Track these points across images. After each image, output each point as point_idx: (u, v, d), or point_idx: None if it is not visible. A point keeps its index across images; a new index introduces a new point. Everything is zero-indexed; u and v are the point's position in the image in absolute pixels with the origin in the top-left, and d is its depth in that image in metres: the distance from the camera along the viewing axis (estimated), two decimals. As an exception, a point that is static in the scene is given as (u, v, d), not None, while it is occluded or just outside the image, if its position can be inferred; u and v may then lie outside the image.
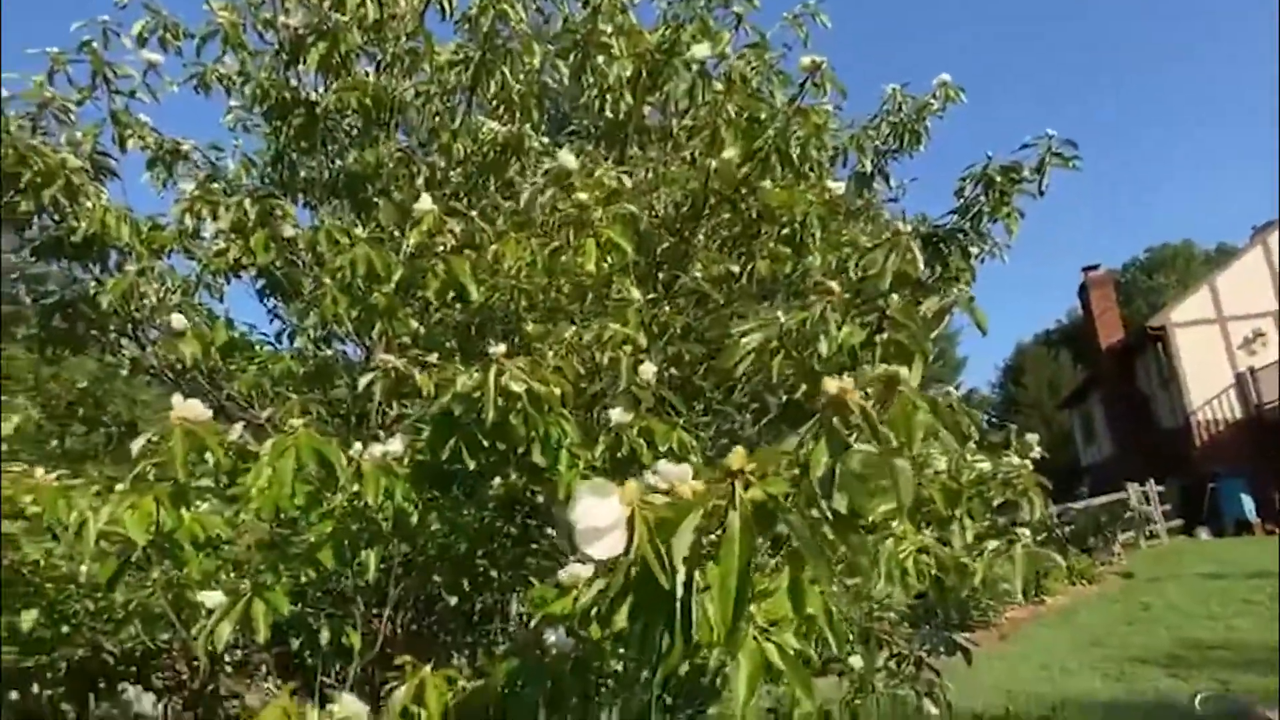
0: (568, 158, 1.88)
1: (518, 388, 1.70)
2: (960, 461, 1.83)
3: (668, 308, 2.31)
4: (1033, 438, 3.41)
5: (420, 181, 2.80)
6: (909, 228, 2.94)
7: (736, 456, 0.90)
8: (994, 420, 32.02)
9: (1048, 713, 6.18)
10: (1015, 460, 1.89)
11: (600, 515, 0.80)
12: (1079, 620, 9.67)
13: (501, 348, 1.62)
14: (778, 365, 1.58)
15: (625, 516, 0.82)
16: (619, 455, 2.01)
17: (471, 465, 1.72)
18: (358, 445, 1.70)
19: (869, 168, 3.60)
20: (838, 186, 2.91)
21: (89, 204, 2.36)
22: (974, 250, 3.63)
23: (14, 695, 2.75)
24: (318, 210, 3.07)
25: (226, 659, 2.30)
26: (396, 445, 1.83)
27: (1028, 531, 1.60)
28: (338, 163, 2.89)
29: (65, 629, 1.88)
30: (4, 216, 2.49)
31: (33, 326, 2.74)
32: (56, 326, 2.68)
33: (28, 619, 1.73)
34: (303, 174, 3.05)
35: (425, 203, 1.92)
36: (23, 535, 1.69)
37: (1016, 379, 34.55)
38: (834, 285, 1.66)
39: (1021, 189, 2.72)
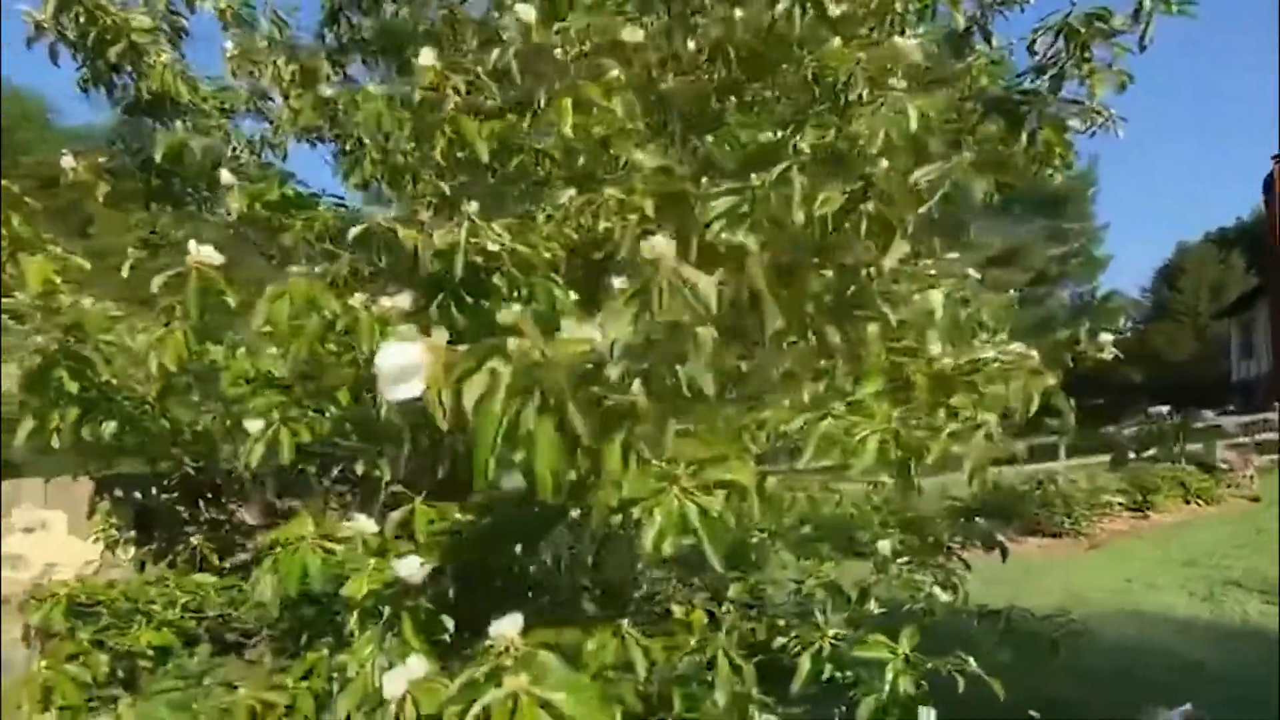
0: (525, 8, 1.78)
1: (494, 247, 1.75)
2: (959, 349, 1.72)
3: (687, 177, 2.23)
4: (1106, 338, 3.13)
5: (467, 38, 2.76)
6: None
7: (508, 314, 0.91)
8: (1137, 325, 29.21)
9: (1118, 621, 6.03)
10: (1017, 349, 1.76)
11: (400, 359, 0.84)
12: (1182, 539, 9.14)
13: (474, 205, 1.65)
14: (743, 233, 1.52)
15: (427, 362, 0.85)
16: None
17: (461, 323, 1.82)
18: (358, 296, 1.83)
19: (962, 23, 3.15)
20: (905, 43, 2.61)
21: (153, 63, 2.53)
22: (1074, 123, 3.21)
23: (138, 495, 3.33)
24: (374, 70, 3.12)
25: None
26: (404, 300, 1.94)
27: (992, 418, 1.51)
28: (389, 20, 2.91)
29: (144, 440, 2.21)
30: (88, 76, 2.72)
31: (137, 182, 3.03)
32: (154, 182, 2.96)
33: (108, 429, 2.06)
34: (363, 34, 3.08)
35: (426, 57, 1.92)
36: (99, 359, 1.98)
37: (1173, 282, 30.99)
38: (805, 147, 1.54)
39: (1114, 42, 2.31)
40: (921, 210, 1.57)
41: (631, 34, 2.23)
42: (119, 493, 3.06)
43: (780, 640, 2.06)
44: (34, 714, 2.12)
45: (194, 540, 2.91)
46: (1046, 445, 10.74)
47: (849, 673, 1.76)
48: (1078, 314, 23.23)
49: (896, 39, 2.67)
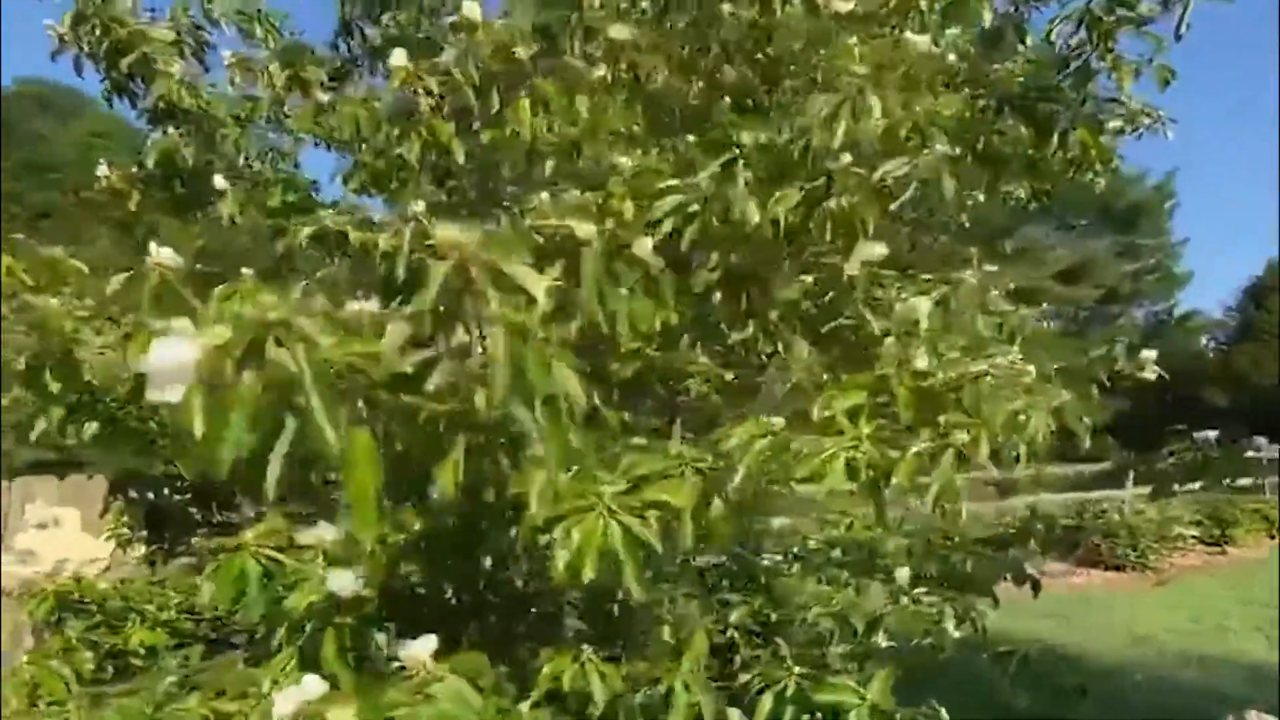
0: (470, 6, 1.72)
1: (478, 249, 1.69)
2: (945, 362, 1.56)
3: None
4: (1149, 354, 2.88)
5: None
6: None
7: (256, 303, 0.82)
8: (1220, 345, 27.40)
9: (1177, 664, 5.57)
10: (1011, 363, 1.58)
11: (170, 357, 0.77)
12: (1262, 577, 8.43)
13: (421, 205, 1.60)
14: (691, 233, 1.40)
15: (197, 359, 0.77)
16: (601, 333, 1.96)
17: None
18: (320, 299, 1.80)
19: (987, 19, 2.96)
20: (917, 39, 2.46)
21: (163, 73, 2.60)
22: (1113, 124, 2.98)
23: (150, 495, 3.40)
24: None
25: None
26: (373, 303, 1.91)
27: (964, 435, 1.35)
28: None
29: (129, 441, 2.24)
30: (111, 86, 2.81)
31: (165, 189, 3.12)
32: (179, 190, 3.04)
33: (90, 430, 2.09)
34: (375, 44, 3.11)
35: (398, 58, 1.89)
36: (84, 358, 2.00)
37: (1260, 301, 29.01)
38: (746, 138, 1.41)
39: (1146, 32, 2.10)
40: (894, 206, 1.43)
41: (619, 31, 2.16)
42: (132, 493, 3.13)
43: (744, 676, 1.92)
44: (21, 709, 2.16)
45: (194, 541, 2.95)
46: (1109, 471, 10.13)
47: (808, 717, 1.61)
48: (1152, 334, 21.98)
49: (908, 35, 2.52)
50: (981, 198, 3.78)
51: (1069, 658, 6.00)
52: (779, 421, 1.51)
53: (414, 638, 1.26)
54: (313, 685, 1.18)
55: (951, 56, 2.68)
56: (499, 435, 0.98)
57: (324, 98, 2.54)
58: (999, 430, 1.44)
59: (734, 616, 3.02)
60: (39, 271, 1.84)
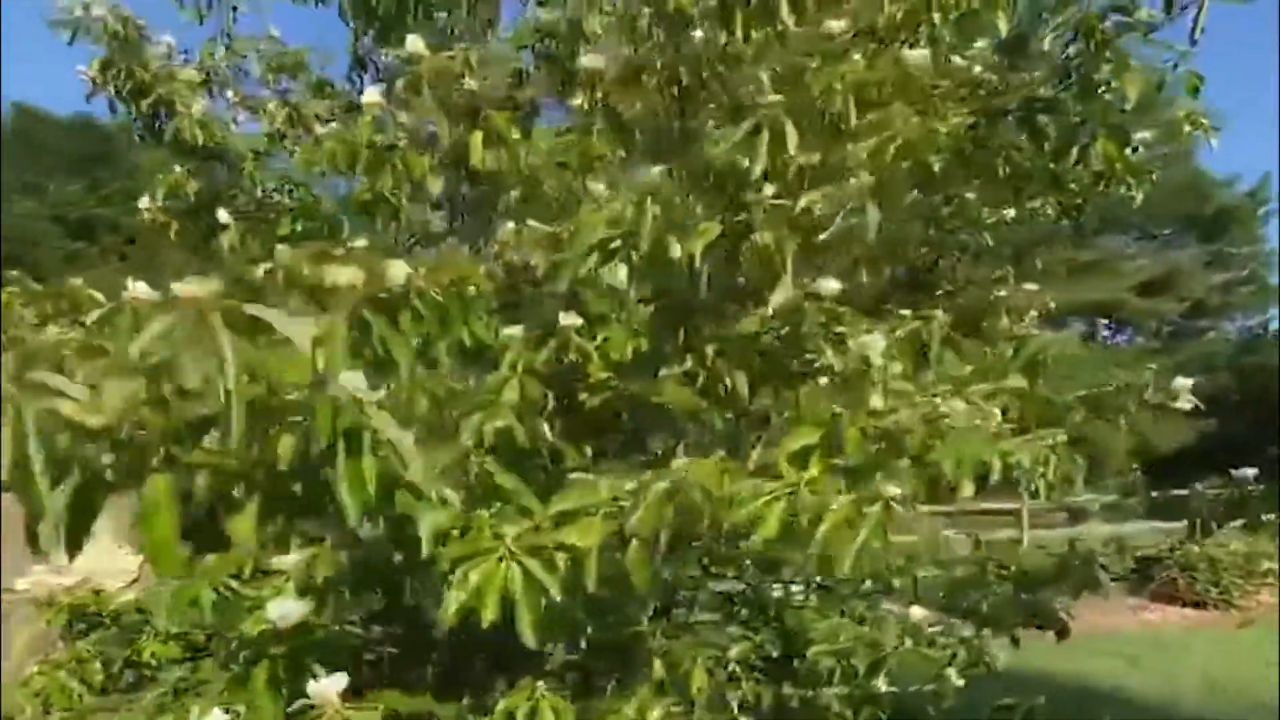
0: (412, 39, 1.73)
1: (420, 283, 1.71)
2: (899, 399, 1.47)
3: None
4: (1183, 383, 2.67)
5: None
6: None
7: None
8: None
9: (1255, 715, 5.10)
10: (963, 407, 1.46)
11: None
12: (1364, 620, 7.64)
13: (362, 240, 1.62)
14: (610, 270, 1.37)
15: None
16: (563, 361, 1.95)
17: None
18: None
19: (1003, 30, 2.81)
20: (913, 55, 2.37)
21: (182, 112, 2.75)
22: (1141, 134, 2.79)
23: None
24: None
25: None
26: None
27: (895, 488, 1.24)
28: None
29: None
30: (140, 124, 3.00)
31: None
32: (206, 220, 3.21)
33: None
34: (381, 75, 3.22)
35: (371, 95, 1.94)
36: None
37: (1373, 314, 26.64)
38: (655, 171, 1.36)
39: (1145, 36, 1.94)
40: (826, 236, 1.36)
41: (592, 61, 2.16)
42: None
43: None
44: (34, 717, 2.27)
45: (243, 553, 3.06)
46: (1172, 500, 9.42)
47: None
48: (1245, 349, 20.43)
49: (905, 52, 2.43)
50: (1011, 214, 3.61)
51: (1130, 703, 5.59)
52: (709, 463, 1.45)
53: (376, 672, 1.27)
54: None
55: (977, 68, 2.57)
56: (300, 483, 0.97)
57: (324, 131, 2.63)
58: (953, 474, 1.35)
59: (733, 652, 2.93)
60: (41, 302, 1.95)
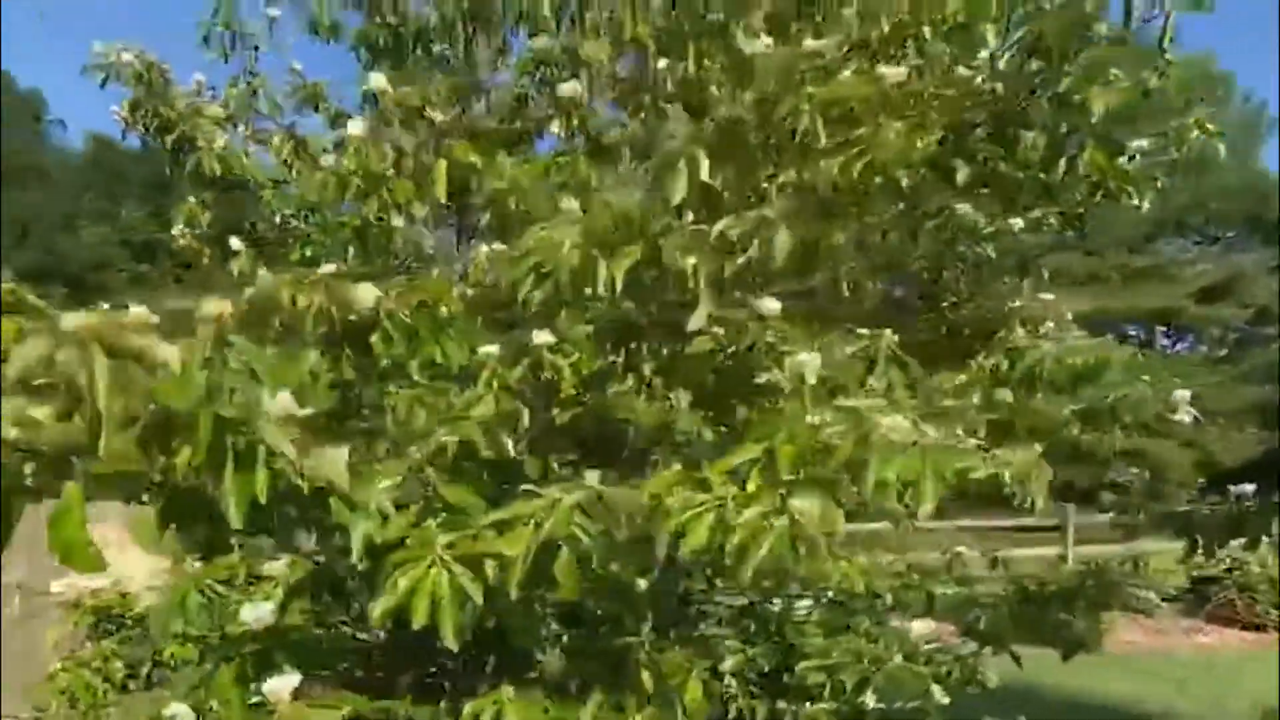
0: (376, 77, 1.83)
1: (389, 305, 1.82)
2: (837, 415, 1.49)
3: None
4: (1182, 395, 2.61)
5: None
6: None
7: None
8: None
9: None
10: (899, 420, 1.46)
11: None
12: None
13: (330, 266, 1.73)
14: (542, 293, 1.43)
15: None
16: (540, 378, 2.03)
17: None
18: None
19: (992, 43, 2.80)
20: (891, 71, 2.39)
21: (203, 147, 2.95)
22: (1137, 143, 2.76)
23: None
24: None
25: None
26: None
27: (813, 503, 1.26)
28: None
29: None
30: (169, 158, 3.22)
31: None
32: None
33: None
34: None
35: (354, 127, 2.06)
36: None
37: None
38: (570, 205, 1.42)
39: (1102, 51, 1.91)
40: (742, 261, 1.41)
41: (569, 89, 2.25)
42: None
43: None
44: (60, 711, 2.45)
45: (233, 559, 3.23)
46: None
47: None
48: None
49: (881, 67, 2.45)
50: (1019, 224, 3.57)
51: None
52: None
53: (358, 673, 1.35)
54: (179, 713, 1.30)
55: (978, 79, 2.57)
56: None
57: (324, 161, 2.79)
58: (873, 490, 1.37)
59: (727, 664, 2.95)
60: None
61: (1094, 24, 1.93)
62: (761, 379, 1.54)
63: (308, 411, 1.15)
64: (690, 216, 1.42)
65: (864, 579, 2.93)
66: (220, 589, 1.79)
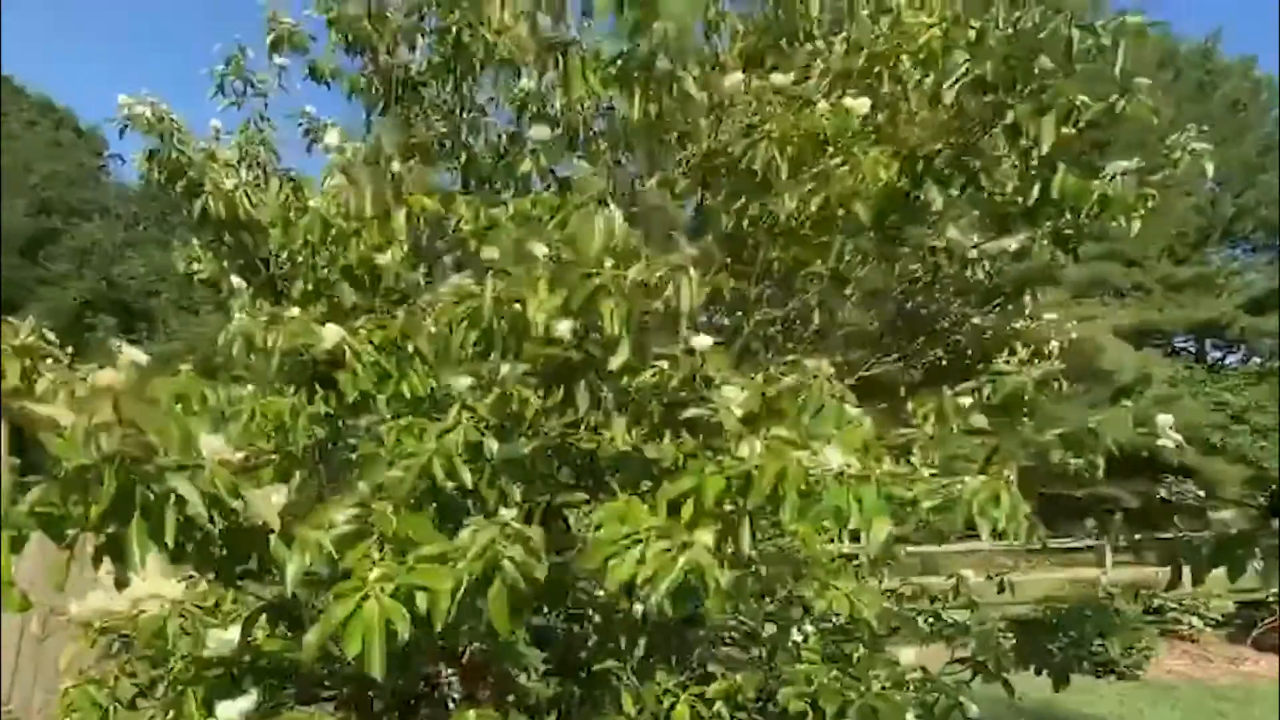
0: (331, 133, 1.94)
1: (357, 346, 1.92)
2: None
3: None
4: (1165, 419, 2.57)
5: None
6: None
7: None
8: None
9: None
10: (830, 452, 1.48)
11: None
12: None
13: (294, 310, 1.84)
14: (474, 336, 1.51)
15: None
16: (509, 411, 2.11)
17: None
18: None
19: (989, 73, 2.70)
20: (855, 103, 2.44)
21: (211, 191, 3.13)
22: (1116, 165, 2.75)
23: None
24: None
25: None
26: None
27: (707, 537, 1.29)
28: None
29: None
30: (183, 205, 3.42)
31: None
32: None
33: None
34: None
35: (338, 179, 2.19)
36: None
37: None
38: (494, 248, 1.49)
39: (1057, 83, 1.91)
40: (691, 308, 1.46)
41: (538, 133, 2.35)
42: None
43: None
44: (72, 727, 2.58)
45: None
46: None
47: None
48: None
49: (847, 100, 2.50)
50: (1013, 245, 3.55)
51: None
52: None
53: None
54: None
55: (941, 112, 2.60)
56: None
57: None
58: (791, 520, 1.40)
59: (711, 690, 2.96)
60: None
61: (1034, 59, 1.95)
62: (691, 413, 1.59)
63: (239, 454, 1.25)
64: (610, 263, 1.49)
65: (854, 605, 2.92)
66: (198, 612, 1.90)
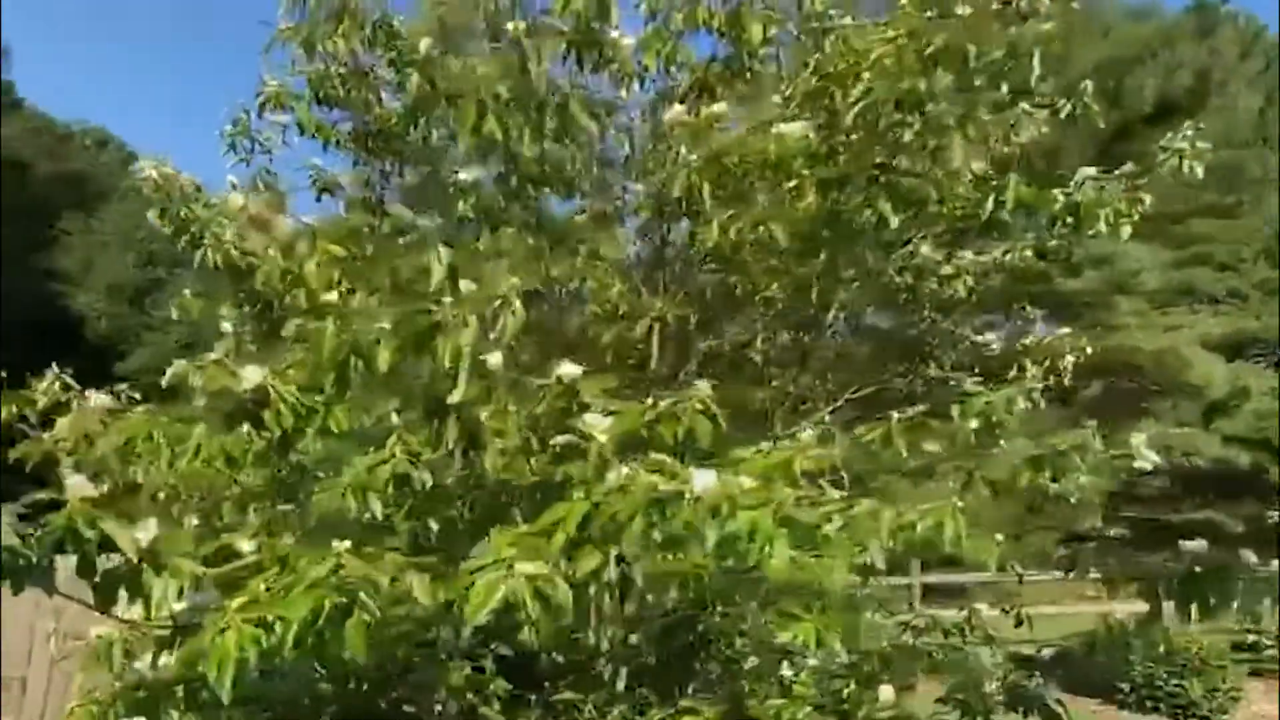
0: (234, 198, 2.07)
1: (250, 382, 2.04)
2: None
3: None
4: (1140, 438, 2.41)
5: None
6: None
7: None
8: None
9: None
10: (705, 478, 1.44)
11: None
12: None
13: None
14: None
15: None
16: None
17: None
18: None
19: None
20: (791, 128, 2.44)
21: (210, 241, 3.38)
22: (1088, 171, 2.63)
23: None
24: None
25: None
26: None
27: (529, 567, 1.28)
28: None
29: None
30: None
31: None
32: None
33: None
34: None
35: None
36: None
37: None
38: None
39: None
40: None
41: (470, 173, 2.46)
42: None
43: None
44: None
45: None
46: None
47: None
48: None
49: (782, 125, 2.50)
50: (1000, 256, 3.42)
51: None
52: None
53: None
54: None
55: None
56: None
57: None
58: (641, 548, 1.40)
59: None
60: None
61: (918, 87, 1.91)
62: (559, 440, 1.61)
63: (99, 490, 1.36)
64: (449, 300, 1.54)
65: (821, 636, 2.82)
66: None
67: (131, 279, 26.23)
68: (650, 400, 1.76)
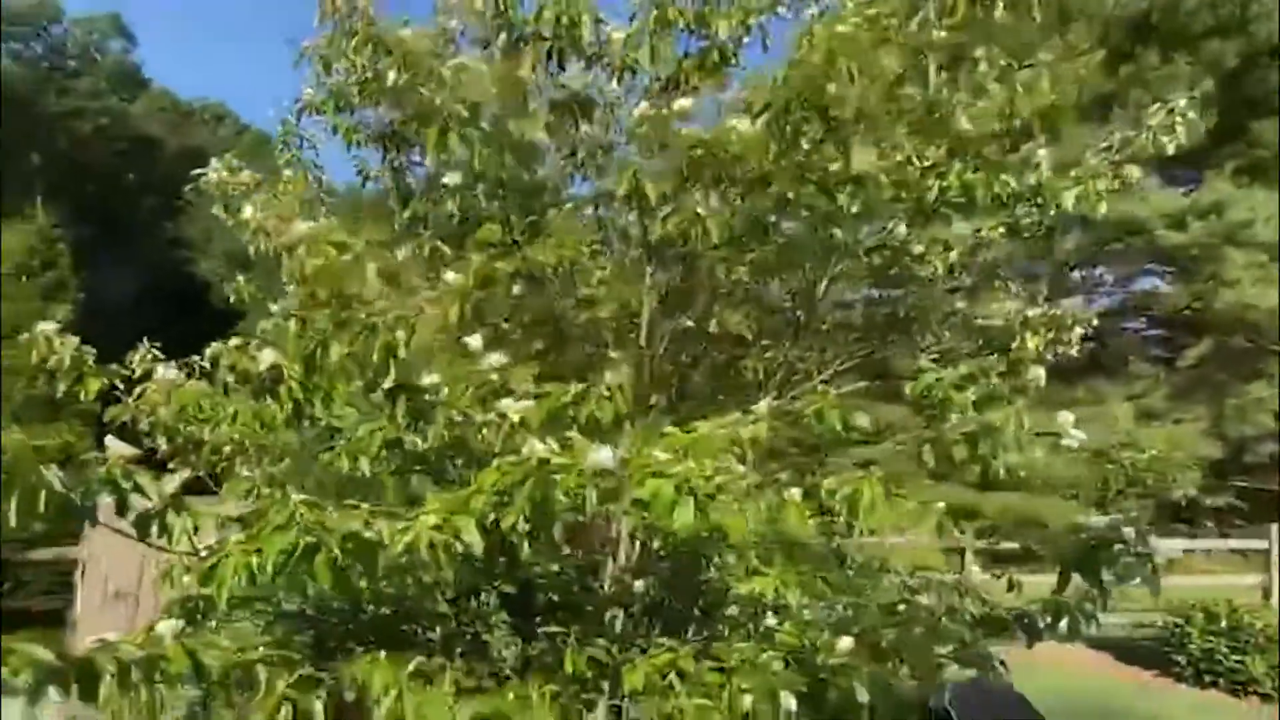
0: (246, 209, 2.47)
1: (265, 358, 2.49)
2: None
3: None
4: (1067, 417, 2.51)
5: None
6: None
7: None
8: None
9: None
10: (603, 453, 1.73)
11: None
12: None
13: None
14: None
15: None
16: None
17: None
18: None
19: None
20: (740, 125, 2.63)
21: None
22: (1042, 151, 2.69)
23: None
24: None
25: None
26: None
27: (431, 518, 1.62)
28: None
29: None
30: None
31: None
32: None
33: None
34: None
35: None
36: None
37: None
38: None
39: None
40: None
41: (451, 178, 2.80)
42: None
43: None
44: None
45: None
46: None
47: None
48: None
49: (732, 120, 2.67)
50: (986, 231, 3.47)
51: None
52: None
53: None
54: None
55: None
56: None
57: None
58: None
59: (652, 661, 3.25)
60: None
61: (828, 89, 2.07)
62: (480, 419, 1.95)
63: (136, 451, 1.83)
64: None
65: (779, 589, 3.07)
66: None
67: (244, 247, 28.24)
68: (573, 386, 2.08)
